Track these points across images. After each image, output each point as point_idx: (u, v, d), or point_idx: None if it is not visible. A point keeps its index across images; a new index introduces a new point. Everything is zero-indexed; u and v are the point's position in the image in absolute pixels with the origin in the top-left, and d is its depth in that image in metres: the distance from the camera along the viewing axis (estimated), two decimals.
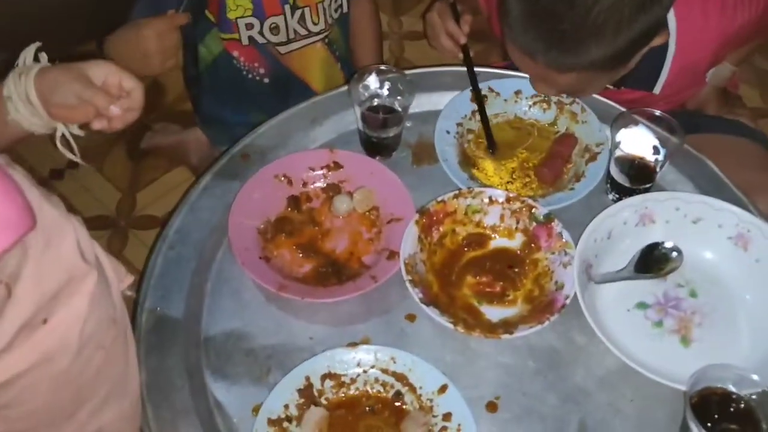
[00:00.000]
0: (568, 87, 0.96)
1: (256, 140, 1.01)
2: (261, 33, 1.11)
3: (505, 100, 1.06)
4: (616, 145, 0.94)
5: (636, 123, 0.95)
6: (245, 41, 1.11)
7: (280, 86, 1.18)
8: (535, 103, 1.05)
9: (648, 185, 0.94)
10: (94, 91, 0.71)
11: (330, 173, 0.97)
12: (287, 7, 1.09)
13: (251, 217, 0.91)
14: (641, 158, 0.93)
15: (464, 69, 1.08)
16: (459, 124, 1.02)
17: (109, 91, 0.72)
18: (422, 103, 1.04)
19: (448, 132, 1.01)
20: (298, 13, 1.11)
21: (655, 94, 1.09)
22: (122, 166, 1.46)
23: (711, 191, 0.95)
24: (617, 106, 1.05)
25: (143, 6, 1.02)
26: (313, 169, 0.97)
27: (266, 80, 1.18)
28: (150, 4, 1.02)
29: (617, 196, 0.95)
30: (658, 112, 0.94)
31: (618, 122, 0.95)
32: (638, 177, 0.93)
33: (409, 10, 1.82)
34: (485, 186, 0.95)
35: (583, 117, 1.03)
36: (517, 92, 1.06)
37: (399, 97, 0.99)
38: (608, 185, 0.96)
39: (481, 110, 1.02)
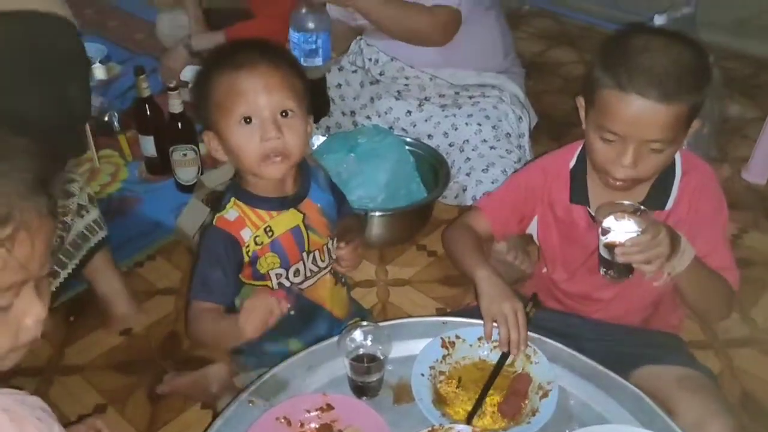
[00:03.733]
0: (665, 130, 1.13)
1: (261, 387, 1.17)
2: (287, 278, 1.31)
3: (471, 345, 1.24)
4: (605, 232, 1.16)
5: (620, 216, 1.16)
6: (275, 286, 1.31)
7: (304, 314, 1.36)
8: (495, 348, 1.23)
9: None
10: None
11: (323, 414, 1.11)
12: (304, 254, 1.31)
13: None
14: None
15: (436, 318, 1.28)
16: (431, 367, 1.19)
17: None
18: (401, 349, 1.22)
19: (422, 375, 1.17)
20: (311, 256, 1.33)
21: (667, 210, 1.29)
22: (142, 408, 1.59)
23: (647, 422, 1.09)
24: (566, 348, 1.23)
25: (206, 264, 1.27)
26: (309, 411, 1.11)
27: (292, 312, 1.36)
28: (213, 261, 1.26)
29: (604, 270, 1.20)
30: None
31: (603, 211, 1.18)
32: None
33: (393, 259, 2.05)
34: (455, 422, 1.09)
35: (535, 358, 1.20)
36: (480, 338, 1.24)
37: (380, 347, 1.17)
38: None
39: (487, 387, 1.16)
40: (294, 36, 1.97)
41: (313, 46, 1.95)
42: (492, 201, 1.49)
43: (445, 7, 2.04)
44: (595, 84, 1.17)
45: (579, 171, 1.34)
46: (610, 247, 1.15)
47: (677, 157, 1.28)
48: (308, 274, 1.34)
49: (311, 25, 1.94)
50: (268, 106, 1.18)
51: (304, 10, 1.96)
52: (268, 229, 1.27)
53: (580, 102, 1.26)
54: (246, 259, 1.27)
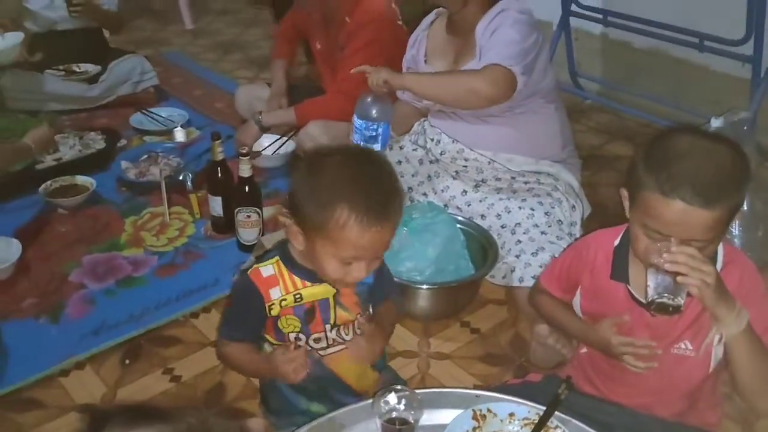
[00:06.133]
0: (707, 232, 1.17)
1: None
2: (306, 343, 1.35)
3: (501, 420, 1.24)
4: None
5: None
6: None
7: (323, 380, 1.39)
8: (525, 425, 1.24)
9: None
10: None
11: None
12: (328, 326, 1.34)
13: None
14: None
15: (470, 391, 1.31)
16: None
17: None
18: (432, 417, 1.24)
19: None
20: (335, 329, 1.35)
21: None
22: None
23: None
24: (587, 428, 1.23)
25: (232, 307, 1.36)
26: None
27: (308, 375, 1.40)
28: (237, 306, 1.35)
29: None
30: None
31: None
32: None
33: (436, 333, 2.08)
34: None
35: None
36: (511, 414, 1.25)
37: (412, 412, 1.20)
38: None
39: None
40: (357, 122, 2.10)
41: (374, 134, 2.08)
42: (547, 271, 1.59)
43: (495, 65, 2.04)
44: (639, 184, 1.22)
45: (622, 250, 1.37)
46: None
47: (720, 248, 1.30)
48: (330, 343, 1.36)
49: (374, 114, 2.07)
50: (371, 257, 1.24)
51: (369, 99, 2.09)
52: (297, 296, 1.31)
53: (624, 193, 1.30)
54: (269, 314, 1.32)
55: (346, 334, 1.37)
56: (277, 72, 3.05)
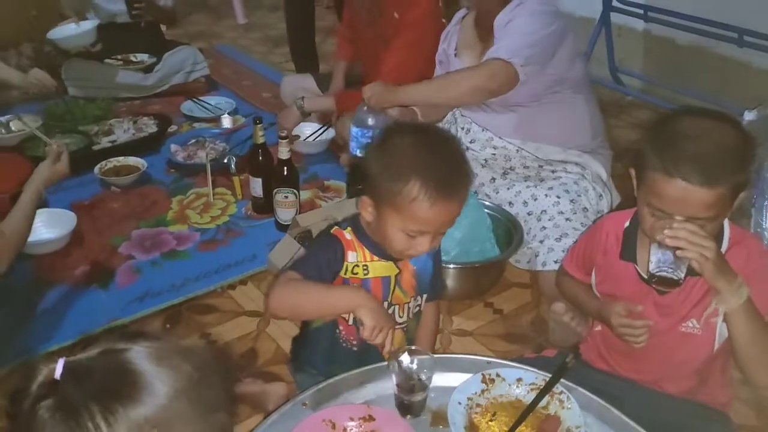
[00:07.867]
0: (708, 210, 1.20)
1: (316, 393, 1.29)
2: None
3: (509, 384, 1.30)
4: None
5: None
6: (351, 322, 1.42)
7: (364, 354, 1.44)
8: (531, 390, 1.29)
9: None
10: None
11: (364, 424, 1.21)
12: (385, 304, 1.39)
13: None
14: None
15: (481, 357, 1.36)
16: (469, 398, 1.26)
17: None
18: (444, 379, 1.29)
19: (459, 403, 1.25)
20: (391, 309, 1.40)
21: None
22: None
23: None
24: (599, 399, 1.28)
25: (313, 251, 1.41)
26: (353, 419, 1.22)
27: (355, 349, 1.46)
28: (319, 253, 1.38)
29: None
30: None
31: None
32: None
33: (460, 312, 2.15)
34: None
35: (568, 404, 1.25)
36: (519, 379, 1.30)
37: (425, 370, 1.27)
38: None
39: (519, 422, 1.21)
40: (353, 130, 2.22)
41: (369, 141, 2.17)
42: (568, 254, 1.64)
43: (493, 60, 2.09)
44: (644, 164, 1.25)
45: (632, 231, 1.41)
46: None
47: (727, 228, 1.33)
48: None
49: (370, 122, 2.19)
50: (436, 232, 1.29)
51: (365, 108, 2.19)
52: (365, 267, 1.37)
53: (632, 173, 1.35)
54: (343, 273, 1.37)
55: (400, 317, 1.44)
56: (337, 73, 3.10)
